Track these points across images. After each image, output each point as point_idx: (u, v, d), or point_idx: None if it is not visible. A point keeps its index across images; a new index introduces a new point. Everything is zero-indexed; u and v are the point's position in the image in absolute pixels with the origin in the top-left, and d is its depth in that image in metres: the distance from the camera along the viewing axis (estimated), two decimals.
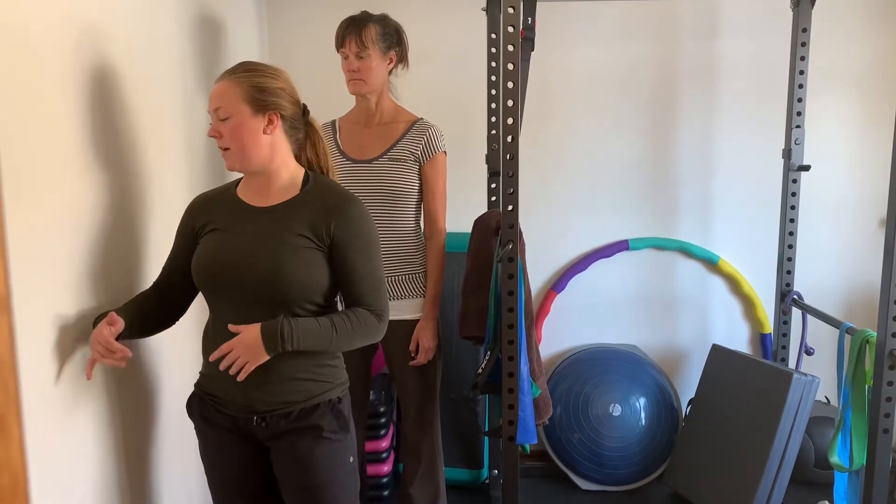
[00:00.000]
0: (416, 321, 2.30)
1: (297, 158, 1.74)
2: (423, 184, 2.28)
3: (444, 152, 2.29)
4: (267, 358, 1.57)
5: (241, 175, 1.74)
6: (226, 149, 1.63)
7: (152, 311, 1.70)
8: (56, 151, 1.48)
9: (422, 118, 2.32)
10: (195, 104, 2.24)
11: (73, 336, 1.54)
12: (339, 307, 1.72)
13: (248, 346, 1.55)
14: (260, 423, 1.66)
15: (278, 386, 1.63)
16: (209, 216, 1.71)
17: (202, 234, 1.71)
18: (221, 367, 1.56)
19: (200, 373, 1.77)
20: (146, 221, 1.90)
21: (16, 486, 1.27)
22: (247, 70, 1.63)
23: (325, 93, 3.11)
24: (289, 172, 1.69)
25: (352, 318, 1.65)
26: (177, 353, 2.09)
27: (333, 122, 2.37)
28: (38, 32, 1.42)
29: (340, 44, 2.22)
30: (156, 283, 1.76)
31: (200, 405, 1.74)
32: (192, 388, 2.28)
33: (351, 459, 1.74)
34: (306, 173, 1.72)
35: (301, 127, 1.71)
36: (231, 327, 1.57)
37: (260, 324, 1.56)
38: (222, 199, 1.73)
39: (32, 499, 1.35)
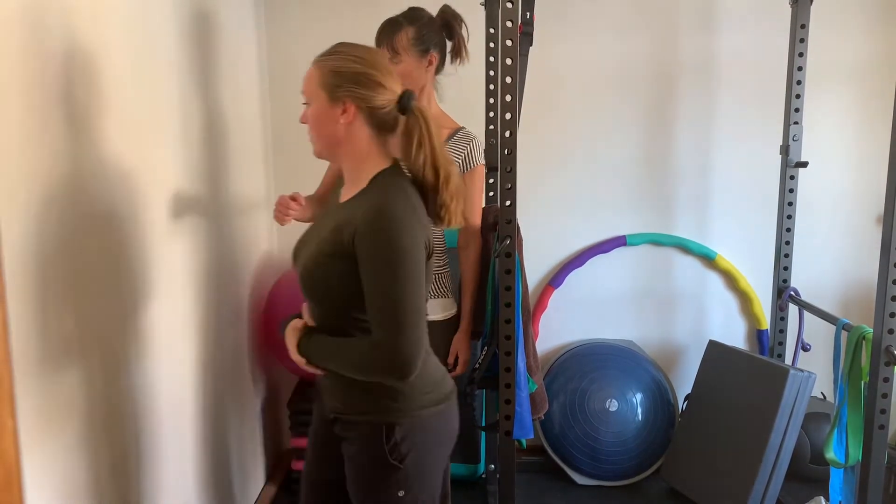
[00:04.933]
0: (438, 322, 2.21)
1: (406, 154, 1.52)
2: None
3: (483, 164, 2.24)
4: (294, 351, 1.56)
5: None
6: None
7: None
8: (50, 143, 1.47)
9: (464, 127, 2.24)
10: (191, 99, 2.23)
11: (69, 327, 1.53)
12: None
13: (291, 332, 1.57)
14: (334, 420, 1.63)
15: (335, 390, 1.59)
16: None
17: None
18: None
19: None
20: (143, 215, 1.90)
21: (9, 477, 1.27)
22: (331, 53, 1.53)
23: None
24: (365, 166, 1.53)
25: (352, 345, 1.51)
26: (172, 349, 2.09)
27: None
28: (31, 28, 1.41)
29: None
30: None
31: (316, 395, 1.74)
32: (185, 385, 2.28)
33: (401, 494, 1.54)
34: (383, 169, 1.53)
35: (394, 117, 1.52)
36: (304, 310, 1.60)
37: (306, 327, 1.57)
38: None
39: (26, 491, 1.35)
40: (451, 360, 2.25)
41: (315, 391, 1.73)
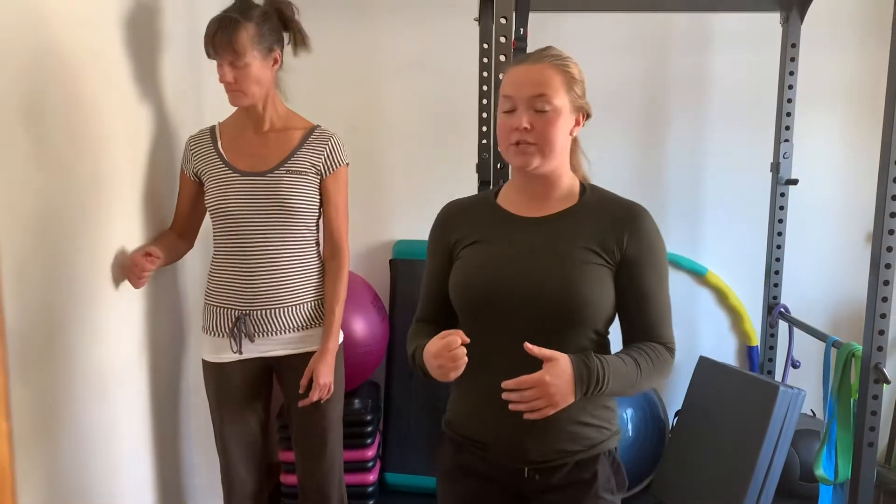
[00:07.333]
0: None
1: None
2: (323, 199, 2.01)
3: (347, 164, 2.04)
4: (571, 402, 1.28)
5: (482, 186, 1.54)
6: (531, 143, 1.40)
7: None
8: (47, 154, 1.47)
9: (319, 125, 2.04)
10: (177, 105, 2.24)
11: (60, 328, 1.53)
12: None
13: (557, 385, 1.26)
14: (533, 475, 1.42)
15: (559, 433, 1.36)
16: (467, 228, 1.49)
17: (459, 248, 1.48)
18: (512, 405, 1.27)
19: (452, 411, 1.51)
20: (132, 221, 1.90)
21: (3, 480, 1.26)
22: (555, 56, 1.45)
23: (321, 98, 3.11)
24: (569, 179, 1.50)
25: (650, 354, 1.40)
26: (161, 357, 2.08)
27: (213, 129, 2.05)
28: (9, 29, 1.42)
29: (211, 52, 1.87)
30: (428, 321, 1.53)
31: (455, 451, 1.49)
32: (182, 386, 2.25)
33: None
34: (583, 182, 1.52)
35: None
36: (529, 347, 1.27)
37: (570, 358, 1.29)
38: (479, 207, 1.52)
39: (19, 493, 1.34)
40: (303, 382, 1.97)
41: (450, 447, 1.49)
